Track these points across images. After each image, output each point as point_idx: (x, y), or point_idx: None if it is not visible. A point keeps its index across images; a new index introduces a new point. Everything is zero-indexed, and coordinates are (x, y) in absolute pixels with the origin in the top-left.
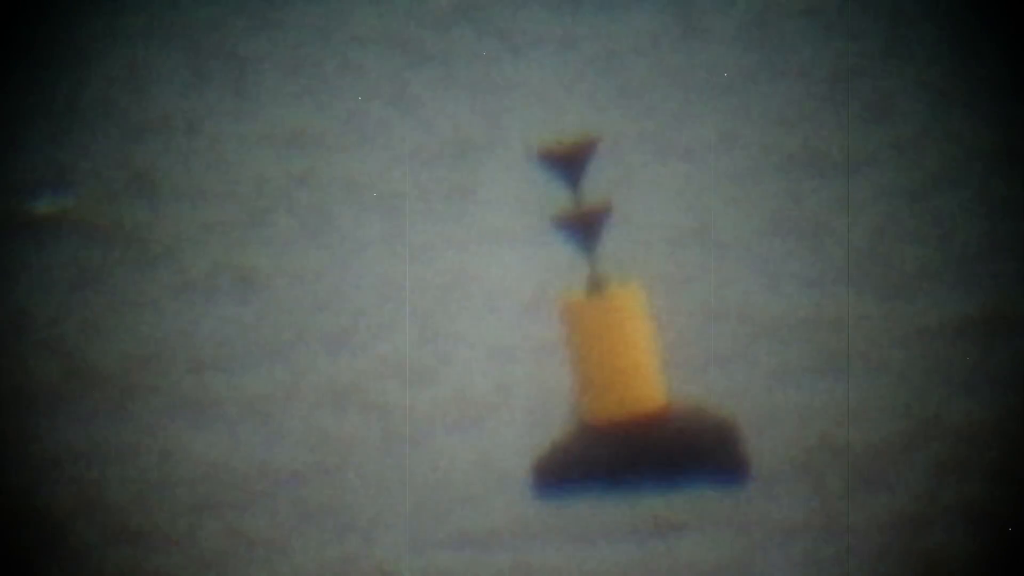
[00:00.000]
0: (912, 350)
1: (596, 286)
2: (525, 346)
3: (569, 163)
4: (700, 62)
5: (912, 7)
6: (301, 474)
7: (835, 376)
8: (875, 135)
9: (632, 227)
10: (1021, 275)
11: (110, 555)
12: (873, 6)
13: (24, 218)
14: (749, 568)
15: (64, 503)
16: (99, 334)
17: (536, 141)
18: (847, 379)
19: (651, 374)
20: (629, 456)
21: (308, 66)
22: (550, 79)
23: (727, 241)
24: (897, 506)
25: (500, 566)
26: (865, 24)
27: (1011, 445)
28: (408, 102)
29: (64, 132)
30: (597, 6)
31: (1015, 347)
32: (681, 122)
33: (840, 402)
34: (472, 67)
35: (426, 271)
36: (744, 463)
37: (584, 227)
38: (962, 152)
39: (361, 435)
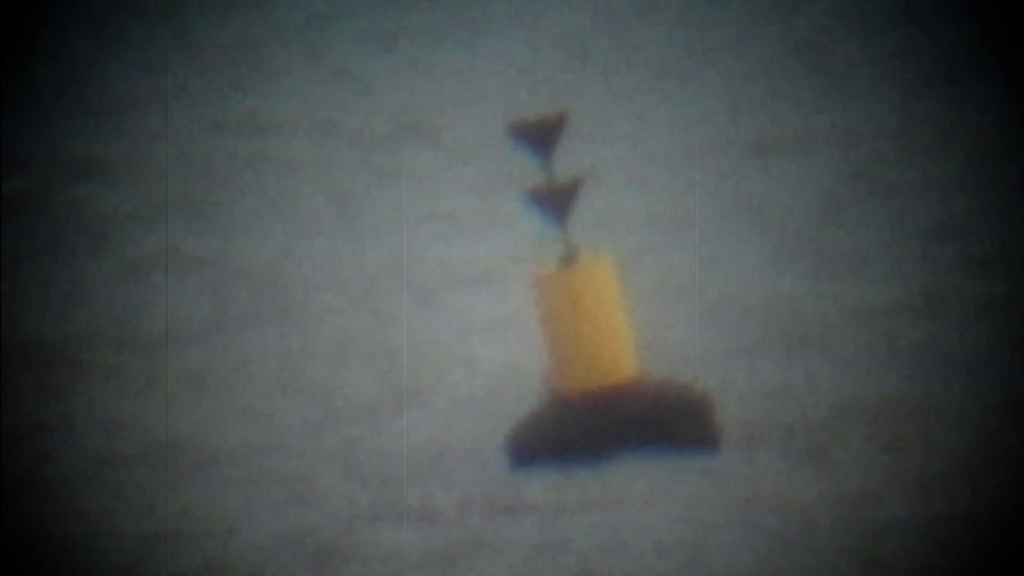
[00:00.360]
0: (862, 329)
1: (568, 259)
2: (482, 324)
3: (541, 136)
4: (658, 41)
5: None
6: (251, 451)
7: (787, 354)
8: (826, 115)
9: (587, 207)
10: (969, 255)
11: (57, 532)
12: None
13: None
14: (702, 542)
15: (10, 479)
16: (47, 311)
17: (494, 121)
18: (799, 357)
19: (622, 346)
20: (600, 427)
21: (262, 48)
22: (510, 60)
23: (681, 220)
24: (847, 481)
25: (455, 540)
26: (819, 3)
27: (956, 421)
28: (364, 84)
29: (16, 114)
30: None
31: (961, 326)
32: (634, 103)
33: (791, 379)
34: (431, 49)
35: (380, 253)
36: (715, 435)
37: (556, 200)
38: (912, 132)
39: (312, 412)
